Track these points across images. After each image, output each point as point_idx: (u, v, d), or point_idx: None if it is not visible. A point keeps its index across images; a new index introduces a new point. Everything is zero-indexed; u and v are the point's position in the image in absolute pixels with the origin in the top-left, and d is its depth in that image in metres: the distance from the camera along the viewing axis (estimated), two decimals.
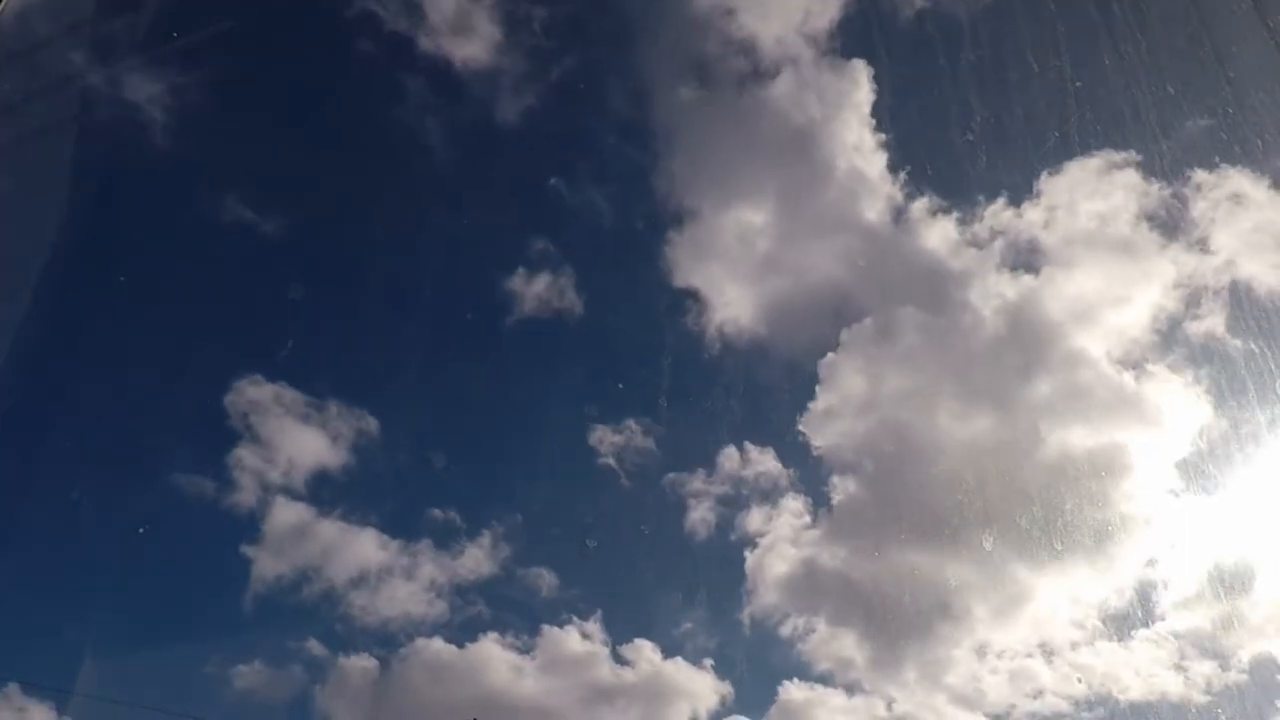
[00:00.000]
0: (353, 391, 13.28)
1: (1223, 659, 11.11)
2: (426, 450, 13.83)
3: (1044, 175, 13.05)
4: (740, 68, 14.21)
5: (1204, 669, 11.32)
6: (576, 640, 12.83)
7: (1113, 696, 11.54)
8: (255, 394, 12.90)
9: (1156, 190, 12.68)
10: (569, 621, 12.89)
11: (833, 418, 13.73)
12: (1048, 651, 12.19)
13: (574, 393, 14.39)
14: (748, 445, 13.60)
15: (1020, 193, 13.18)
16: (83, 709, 10.92)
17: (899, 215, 14.09)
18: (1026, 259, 13.48)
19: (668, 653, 12.72)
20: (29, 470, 11.64)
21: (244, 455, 12.83)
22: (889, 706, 12.34)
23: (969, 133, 12.23)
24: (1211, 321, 12.42)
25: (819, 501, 13.58)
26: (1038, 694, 11.94)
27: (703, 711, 12.41)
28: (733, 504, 13.57)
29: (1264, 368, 9.75)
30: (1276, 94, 9.49)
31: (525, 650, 12.68)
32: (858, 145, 14.13)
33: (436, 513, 13.39)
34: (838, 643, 13.04)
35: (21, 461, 11.55)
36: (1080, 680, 11.72)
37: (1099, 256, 13.44)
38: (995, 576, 11.97)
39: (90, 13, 8.93)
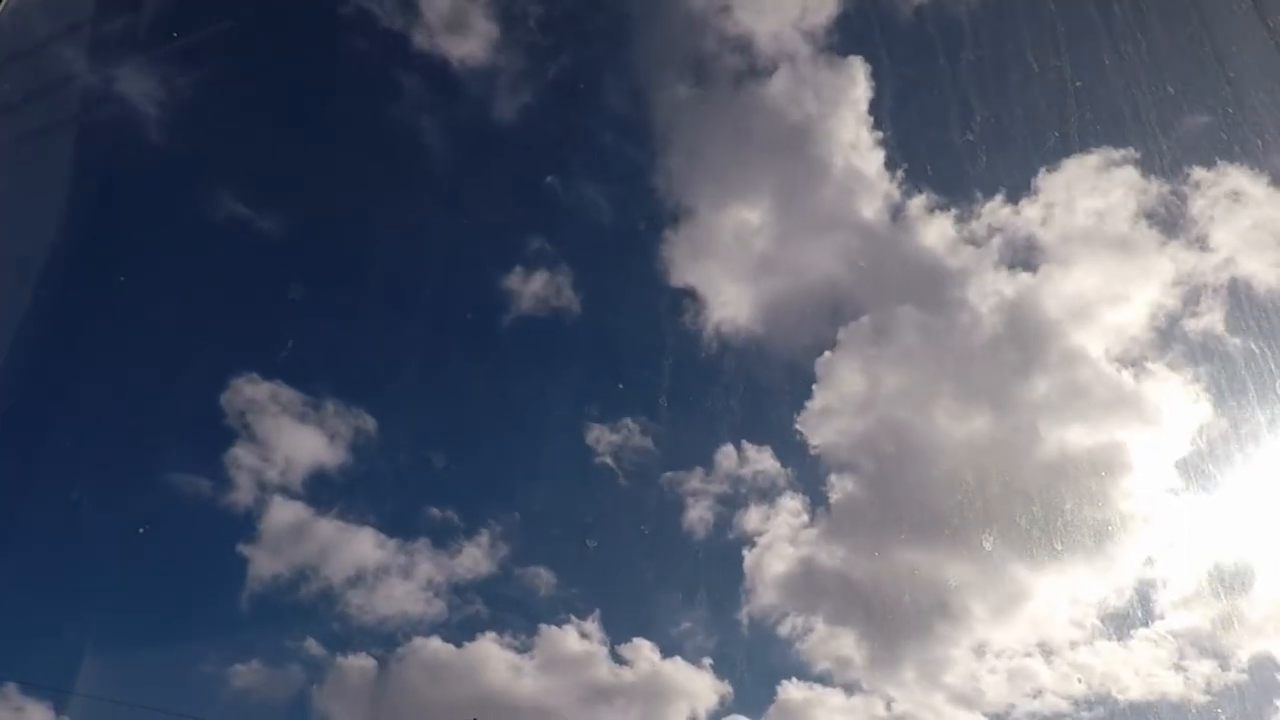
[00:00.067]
0: (350, 390, 13.32)
1: (1222, 658, 11.17)
2: (424, 449, 13.84)
3: (1042, 172, 13.07)
4: (736, 65, 14.25)
5: (1204, 668, 11.36)
6: (575, 639, 12.85)
7: (1112, 696, 11.61)
8: (252, 393, 12.93)
9: (1155, 188, 12.72)
10: (567, 621, 12.92)
11: (830, 416, 13.77)
12: (1047, 651, 12.23)
13: (571, 392, 14.46)
14: (745, 444, 13.64)
15: (1018, 190, 13.22)
16: (80, 708, 10.95)
17: (896, 213, 14.13)
18: (1025, 257, 13.52)
19: (666, 652, 12.75)
20: (24, 469, 11.70)
21: (241, 454, 12.85)
22: (888, 706, 12.38)
23: (967, 130, 12.32)
24: (1211, 319, 12.46)
25: (817, 501, 13.58)
26: (1037, 693, 12.00)
27: (702, 711, 12.46)
28: (731, 503, 13.61)
29: (1264, 366, 9.80)
30: (1276, 94, 9.57)
31: (523, 650, 12.71)
32: (854, 143, 14.14)
33: (434, 512, 13.41)
34: (836, 642, 13.06)
35: (16, 460, 11.62)
36: (1080, 680, 11.78)
37: (1097, 254, 13.48)
38: (994, 575, 12.03)
39: (90, 13, 8.97)
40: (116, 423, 12.95)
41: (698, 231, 14.60)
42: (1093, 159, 12.73)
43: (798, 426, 13.68)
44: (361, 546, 12.93)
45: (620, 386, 14.55)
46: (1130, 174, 12.68)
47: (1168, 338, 12.89)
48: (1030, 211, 13.39)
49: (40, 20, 8.37)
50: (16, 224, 8.86)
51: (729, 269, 14.82)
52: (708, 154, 14.93)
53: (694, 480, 13.63)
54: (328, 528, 13.02)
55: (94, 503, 12.04)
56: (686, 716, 12.54)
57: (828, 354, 13.84)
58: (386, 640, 12.70)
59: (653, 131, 14.74)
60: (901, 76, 13.80)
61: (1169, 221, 12.78)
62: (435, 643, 12.70)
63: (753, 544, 13.51)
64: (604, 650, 12.78)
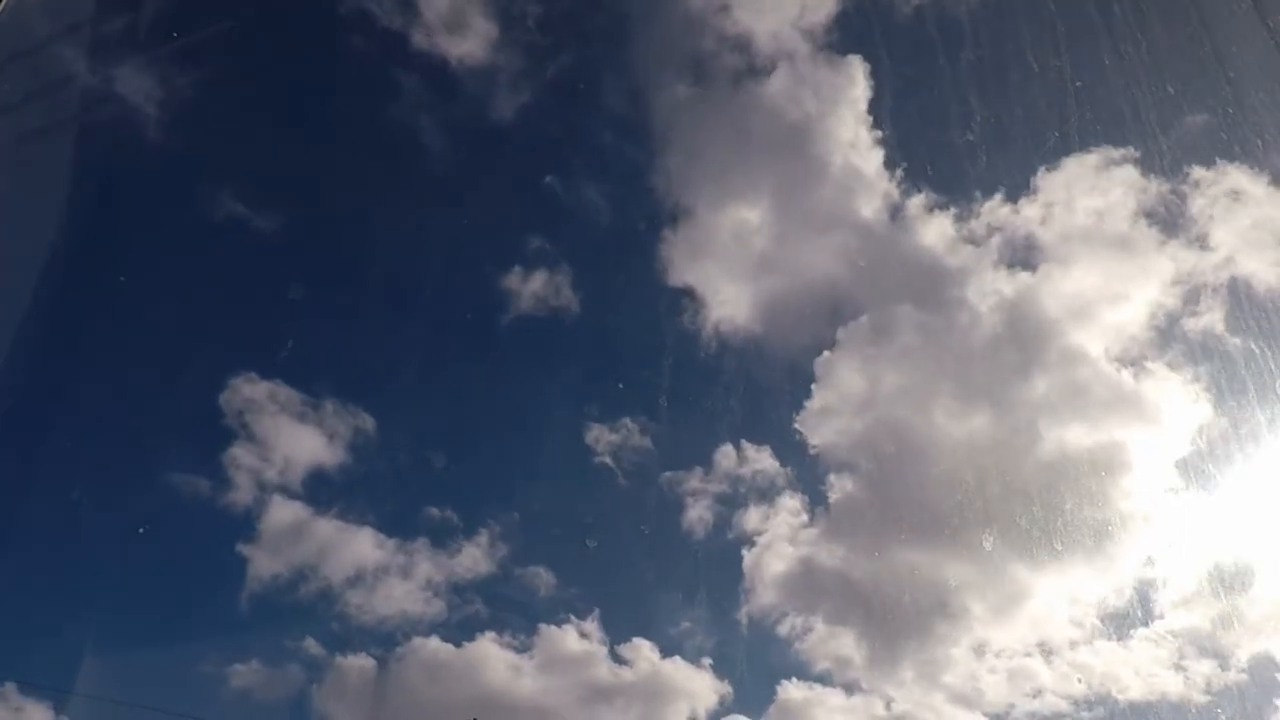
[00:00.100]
0: (349, 390, 13.34)
1: (1222, 658, 11.18)
2: (423, 449, 13.89)
3: (1041, 171, 13.08)
4: (735, 64, 14.26)
5: (1203, 668, 11.37)
6: (574, 639, 12.87)
7: (1112, 696, 11.62)
8: (251, 392, 12.96)
9: (1155, 187, 12.73)
10: (567, 621, 12.94)
11: (829, 416, 13.79)
12: (1046, 651, 12.24)
13: (570, 391, 14.50)
14: (745, 444, 13.66)
15: (1017, 189, 13.23)
16: (78, 708, 10.98)
17: (895, 212, 14.14)
18: (1024, 256, 13.53)
19: (666, 652, 12.77)
20: (22, 469, 11.74)
21: (239, 454, 12.88)
22: (887, 706, 12.39)
23: (966, 129, 12.31)
24: (1210, 318, 12.49)
25: (816, 500, 13.61)
26: (1037, 693, 12.01)
27: (701, 711, 12.48)
28: (730, 503, 13.64)
29: (1263, 365, 9.82)
30: (1276, 94, 9.60)
31: (523, 649, 12.74)
32: (853, 142, 14.16)
33: (433, 511, 13.43)
34: (836, 642, 13.08)
35: (14, 460, 11.67)
36: (1080, 680, 11.80)
37: (1097, 253, 13.49)
38: (993, 575, 12.05)
39: (90, 13, 9.03)
40: (115, 422, 13.01)
41: (697, 231, 14.65)
42: (1092, 158, 12.76)
43: (797, 426, 13.71)
44: (361, 546, 12.97)
45: (619, 386, 14.60)
46: (1130, 173, 12.72)
47: (1167, 337, 12.93)
48: (1030, 211, 13.42)
49: (40, 20, 8.44)
50: (16, 224, 8.90)
51: (728, 268, 14.86)
52: (707, 153, 14.95)
53: (693, 480, 13.68)
54: (327, 527, 13.06)
55: (92, 502, 12.11)
56: (686, 716, 12.59)
57: (827, 353, 13.87)
58: (386, 640, 12.75)
59: (652, 131, 14.80)
60: (900, 75, 13.86)
61: (1169, 221, 12.83)
62: (434, 642, 12.75)
63: (752, 544, 13.54)
64: (603, 650, 12.82)
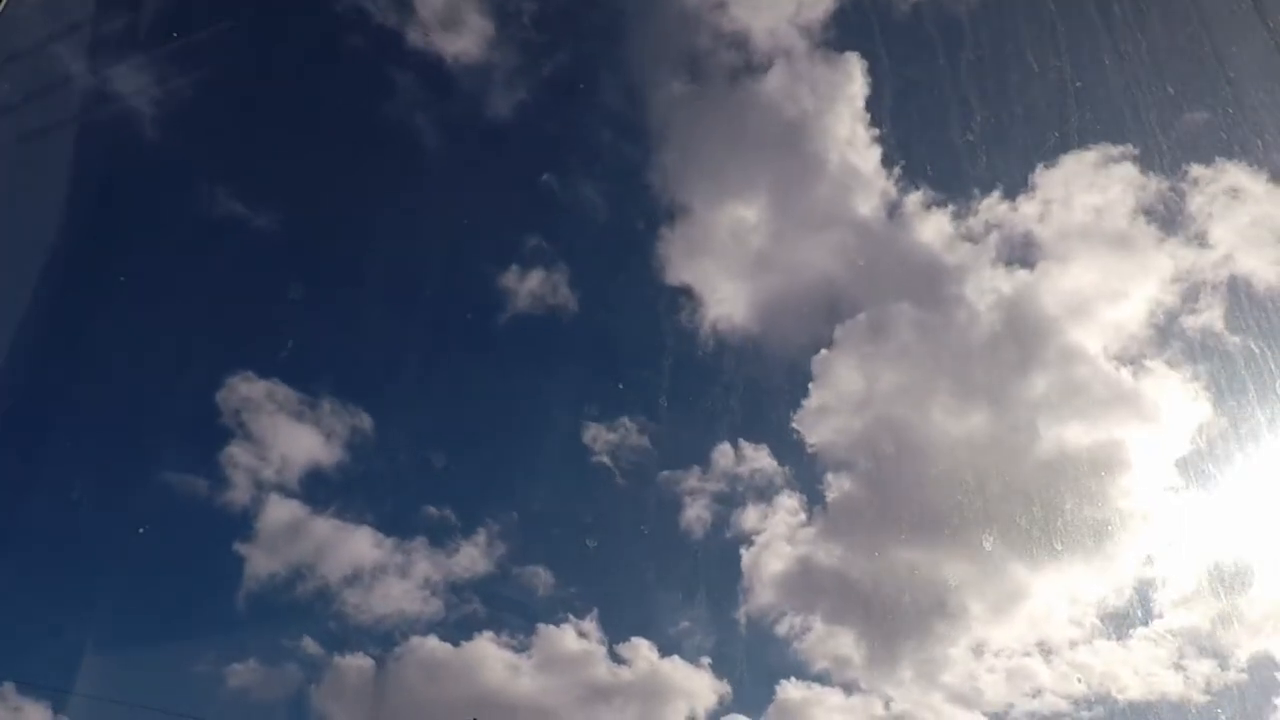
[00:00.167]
0: (346, 389, 13.36)
1: (1221, 658, 11.24)
2: (421, 448, 13.91)
3: (1040, 169, 13.11)
4: (732, 62, 14.30)
5: (1203, 668, 11.42)
6: (573, 639, 12.91)
7: (1111, 695, 11.69)
8: (248, 391, 12.98)
9: (1154, 184, 12.76)
10: (565, 620, 12.99)
11: (827, 415, 13.82)
12: (1046, 650, 12.31)
13: (568, 390, 14.51)
14: (742, 443, 13.69)
15: (1016, 186, 13.26)
16: (76, 708, 11.06)
17: (893, 210, 14.18)
18: (1022, 254, 13.54)
19: (665, 651, 12.81)
20: (19, 468, 11.84)
21: (237, 453, 12.90)
22: (886, 705, 12.44)
23: (964, 126, 12.43)
24: (1209, 316, 12.52)
25: (814, 499, 13.64)
26: (1036, 693, 12.06)
27: (700, 711, 12.53)
28: (728, 502, 13.69)
29: (1263, 363, 9.91)
30: (1276, 93, 9.69)
31: (521, 649, 12.79)
32: (851, 139, 14.19)
33: (431, 510, 13.47)
34: (834, 641, 13.14)
35: (10, 459, 11.78)
36: (1080, 680, 11.86)
37: (1096, 251, 13.52)
38: (992, 574, 12.11)
39: (90, 13, 9.11)
40: (112, 421, 13.05)
41: (694, 229, 14.68)
42: (1091, 155, 12.79)
43: (794, 425, 13.73)
44: (358, 545, 12.99)
45: (617, 385, 14.65)
46: (1129, 170, 12.76)
47: (1166, 335, 12.96)
48: (1028, 208, 13.46)
49: (40, 20, 8.50)
50: (16, 224, 8.97)
51: (725, 266, 14.89)
52: (704, 151, 14.99)
53: (691, 479, 13.71)
54: (324, 526, 13.09)
55: (89, 501, 12.15)
56: (685, 716, 12.64)
57: (824, 352, 13.89)
58: (384, 639, 12.80)
59: (649, 129, 14.83)
60: (898, 73, 13.90)
61: (1168, 218, 12.87)
62: (433, 642, 12.79)
63: (750, 543, 13.58)
64: (602, 649, 12.86)
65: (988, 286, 13.58)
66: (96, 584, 12.16)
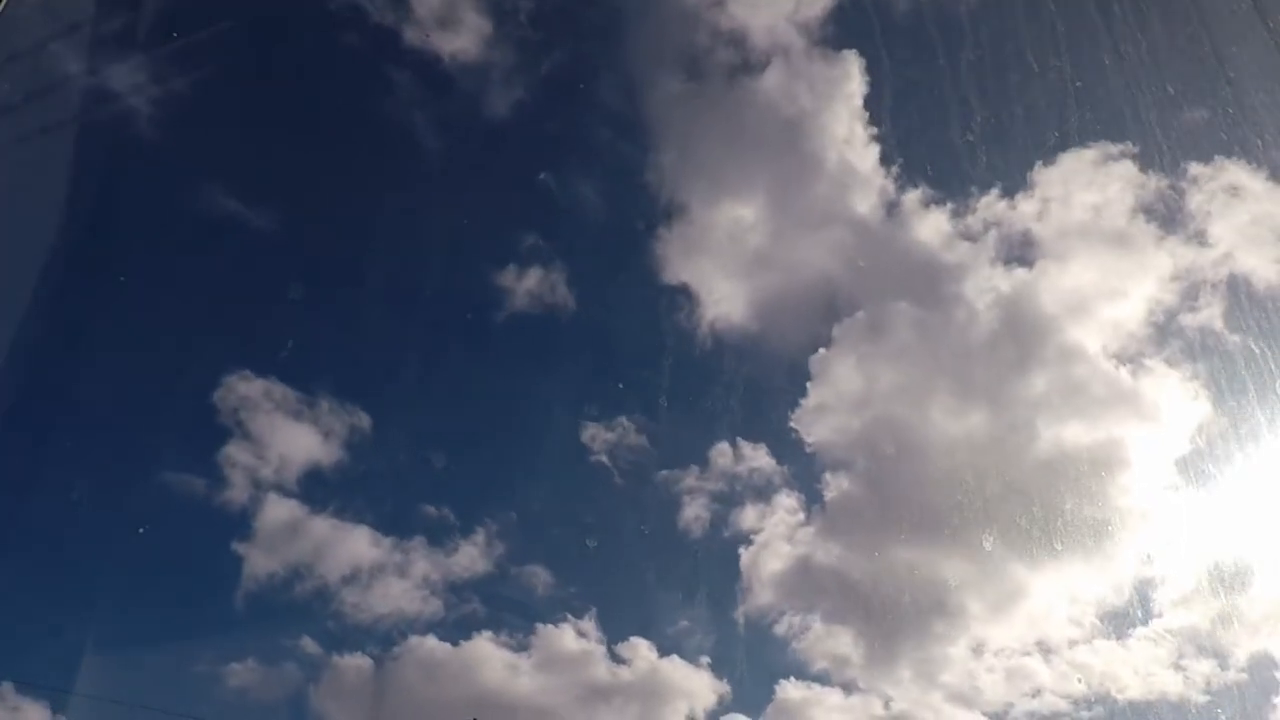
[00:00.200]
0: (344, 388, 13.38)
1: (1221, 657, 11.30)
2: (419, 447, 13.89)
3: (1039, 167, 13.17)
4: (730, 60, 14.30)
5: (1203, 667, 11.48)
6: (572, 638, 12.94)
7: (1111, 695, 11.75)
8: (245, 390, 12.99)
9: (1153, 182, 12.83)
10: (564, 620, 12.99)
11: (826, 414, 13.85)
12: (1045, 650, 12.35)
13: (566, 389, 14.54)
14: (741, 442, 13.72)
15: (1015, 184, 13.29)
16: (74, 707, 11.07)
17: (891, 208, 14.20)
18: (1021, 252, 13.59)
19: (664, 651, 12.84)
20: (16, 468, 11.82)
21: (234, 452, 12.92)
22: (886, 705, 12.49)
23: (962, 124, 12.46)
24: (1209, 314, 12.59)
25: (813, 499, 13.67)
26: (1036, 692, 12.10)
27: (700, 710, 12.56)
28: (726, 501, 13.72)
29: (1262, 362, 9.97)
30: (1276, 93, 9.75)
31: (520, 649, 12.81)
32: (849, 138, 14.21)
33: (430, 510, 13.50)
34: (833, 641, 13.17)
35: (8, 459, 11.76)
36: (1080, 680, 11.91)
37: (1095, 249, 13.56)
38: (991, 574, 12.13)
39: (90, 13, 9.14)
40: (110, 420, 13.07)
41: (692, 228, 14.70)
42: (1090, 153, 12.84)
43: (793, 424, 13.76)
44: (357, 545, 12.99)
45: (615, 384, 14.67)
46: (1128, 168, 12.82)
47: (1166, 334, 13.01)
48: (1027, 206, 13.49)
49: (40, 20, 8.52)
50: (16, 224, 9.00)
51: (723, 265, 14.92)
52: (701, 150, 15.01)
53: (689, 478, 13.72)
54: (323, 526, 13.08)
55: (86, 501, 12.15)
56: (685, 716, 12.67)
57: (823, 351, 13.93)
58: (382, 639, 12.79)
59: (646, 127, 14.82)
60: (896, 71, 13.86)
61: (1167, 216, 12.92)
62: (431, 641, 12.80)
63: (749, 542, 13.60)
64: (601, 649, 12.88)
65: (986, 285, 13.64)
66: (93, 583, 12.18)
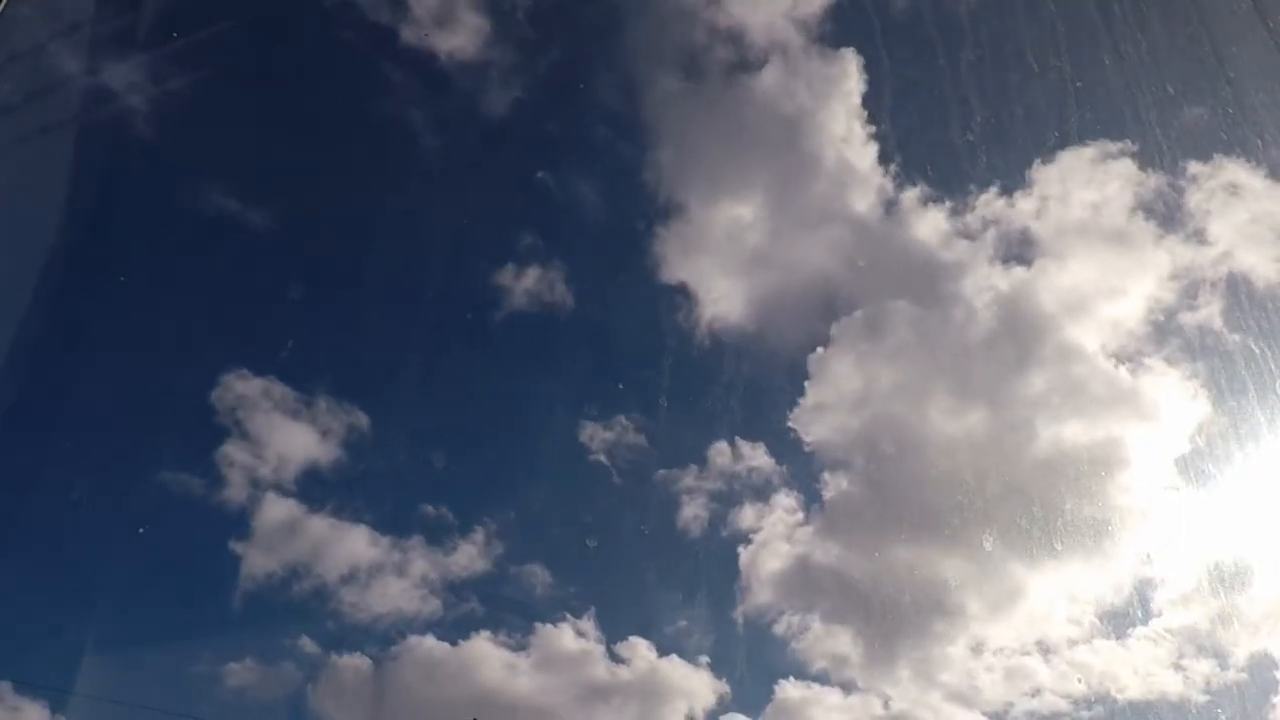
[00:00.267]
0: (342, 387, 13.42)
1: (1221, 657, 11.32)
2: (417, 446, 13.96)
3: (1037, 165, 13.20)
4: (728, 58, 14.34)
5: (1202, 667, 11.49)
6: (571, 638, 12.97)
7: (1111, 695, 11.75)
8: (243, 389, 13.04)
9: (1152, 180, 12.85)
10: (563, 619, 13.02)
11: (824, 413, 13.87)
12: (1045, 649, 12.37)
13: (564, 388, 14.60)
14: (739, 441, 13.75)
15: (1013, 183, 13.33)
16: (72, 707, 11.15)
17: (889, 207, 14.24)
18: (1019, 250, 13.61)
19: (663, 650, 12.88)
20: (13, 467, 11.92)
21: (232, 451, 12.95)
22: (885, 705, 12.51)
23: (961, 122, 12.50)
24: (1208, 313, 12.61)
25: (811, 498, 13.70)
26: (1035, 692, 12.11)
27: (699, 710, 12.60)
28: (725, 500, 13.75)
29: (1262, 361, 10.04)
30: (1276, 93, 9.84)
31: (519, 648, 12.85)
32: (847, 136, 14.24)
33: (428, 509, 13.53)
34: (832, 640, 13.19)
35: (5, 459, 11.87)
36: (1080, 680, 11.92)
37: (1094, 248, 13.58)
38: (991, 573, 12.16)
39: (90, 13, 9.21)
40: (108, 420, 13.13)
41: (690, 227, 14.73)
42: (1089, 151, 12.86)
43: (791, 424, 13.78)
44: (355, 544, 13.03)
45: (613, 383, 14.74)
46: (1127, 166, 12.85)
47: (1165, 332, 13.00)
48: (1025, 204, 13.52)
49: (40, 20, 8.61)
50: (15, 224, 9.08)
51: (721, 264, 14.96)
52: (700, 148, 15.05)
53: (688, 477, 13.76)
54: (321, 525, 13.10)
55: (84, 500, 12.24)
56: (684, 715, 12.72)
57: (821, 350, 13.94)
58: (381, 638, 12.85)
59: (644, 126, 14.84)
60: (895, 69, 13.91)
61: (1166, 215, 12.94)
62: (430, 641, 12.84)
63: (748, 541, 13.61)
64: (600, 649, 12.91)
65: (985, 284, 13.67)
66: (91, 583, 12.25)
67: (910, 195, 14.07)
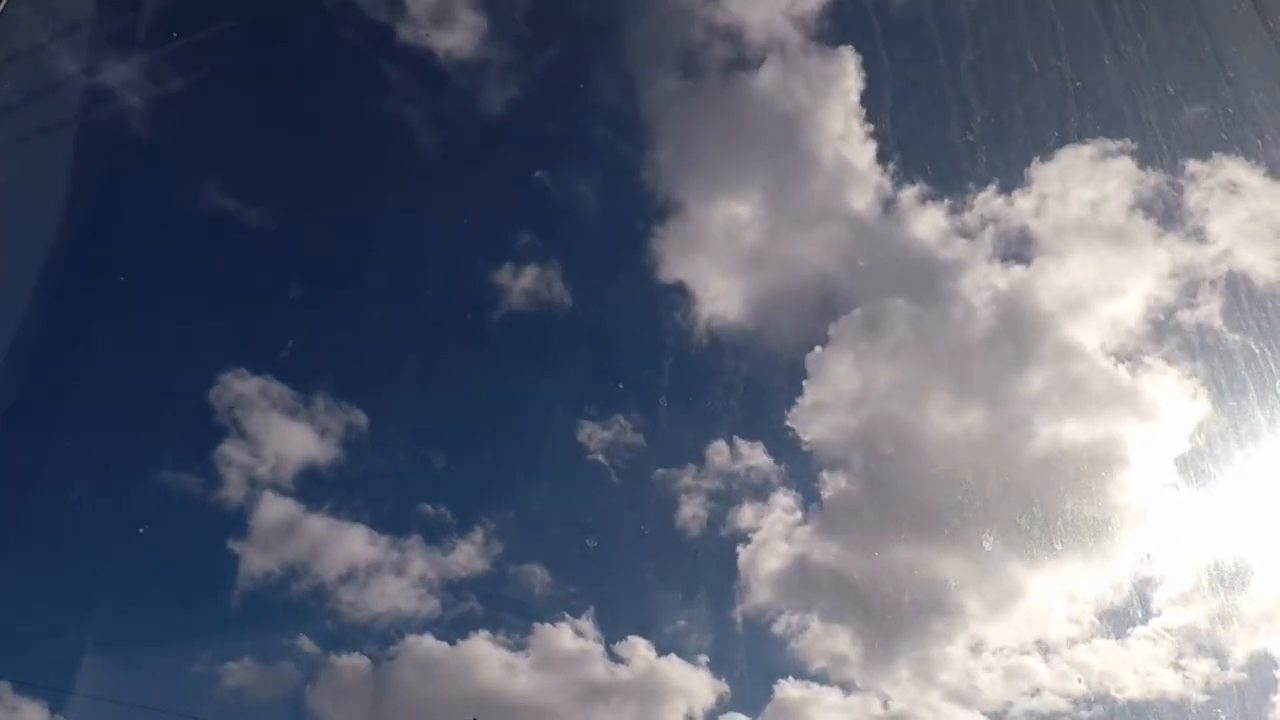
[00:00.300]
0: (340, 386, 13.46)
1: (1220, 657, 11.34)
2: (415, 445, 13.98)
3: (1036, 163, 13.21)
4: (725, 56, 14.37)
5: (1202, 667, 11.52)
6: (570, 637, 13.03)
7: (1110, 694, 11.77)
8: (241, 388, 13.08)
9: (1152, 179, 12.88)
10: (562, 619, 13.06)
11: (822, 412, 13.90)
12: (1044, 649, 12.39)
13: (562, 388, 14.64)
14: (738, 440, 13.78)
15: (1012, 181, 13.34)
16: (70, 707, 11.21)
17: (888, 205, 14.23)
18: (1018, 249, 13.61)
19: (662, 650, 12.93)
20: (11, 467, 12.01)
21: (230, 451, 12.97)
22: (884, 704, 12.54)
23: (960, 120, 12.50)
24: (1208, 311, 12.61)
25: (810, 497, 13.73)
26: (1035, 692, 12.13)
27: (698, 709, 12.63)
28: (724, 500, 13.77)
29: (1261, 359, 10.08)
30: (1275, 93, 9.89)
31: (518, 648, 12.90)
32: (845, 134, 14.25)
33: (427, 508, 13.56)
34: (831, 640, 13.22)
35: (3, 458, 11.96)
36: (1079, 680, 11.95)
37: (1093, 246, 13.58)
38: (990, 572, 12.19)
39: (90, 13, 9.26)
40: (105, 419, 13.16)
41: (688, 226, 14.75)
42: (1088, 149, 12.89)
43: (789, 423, 13.81)
44: (353, 544, 13.06)
45: (612, 383, 14.77)
46: (1126, 165, 12.86)
47: (1164, 331, 13.01)
48: (1024, 203, 13.53)
49: (40, 20, 8.65)
50: (15, 224, 9.12)
51: (719, 263, 14.96)
52: (697, 147, 15.05)
53: (686, 477, 13.78)
54: (319, 525, 13.14)
55: (82, 500, 12.29)
56: (683, 715, 12.74)
57: (819, 349, 13.97)
58: (380, 638, 12.89)
59: (642, 124, 14.87)
60: (893, 67, 13.92)
61: (1166, 213, 12.96)
62: (428, 640, 12.87)
63: (747, 541, 13.64)
64: (599, 648, 12.96)
65: (983, 282, 13.68)
66: (89, 582, 12.31)
67: (909, 194, 14.09)
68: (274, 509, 13.10)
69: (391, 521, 13.27)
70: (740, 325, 14.58)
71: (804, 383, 13.85)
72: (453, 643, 12.90)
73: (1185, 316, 12.92)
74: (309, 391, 13.33)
